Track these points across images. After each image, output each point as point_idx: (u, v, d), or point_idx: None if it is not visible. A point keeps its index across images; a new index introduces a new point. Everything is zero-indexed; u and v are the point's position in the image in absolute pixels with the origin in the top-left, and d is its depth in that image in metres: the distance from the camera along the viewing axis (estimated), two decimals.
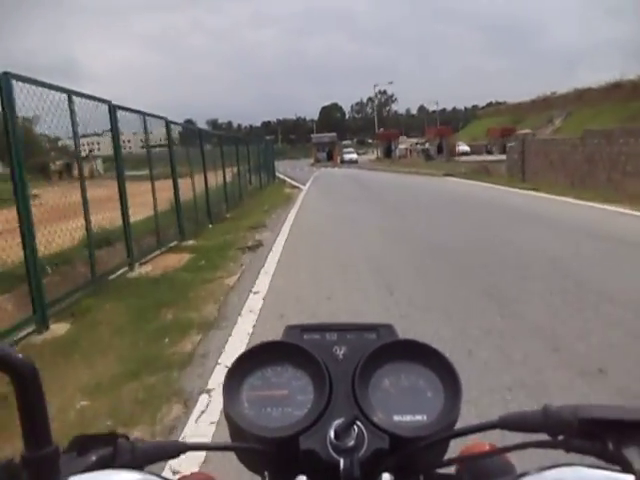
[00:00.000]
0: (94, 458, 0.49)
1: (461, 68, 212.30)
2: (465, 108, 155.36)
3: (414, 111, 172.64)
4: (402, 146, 54.11)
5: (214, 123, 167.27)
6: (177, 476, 0.64)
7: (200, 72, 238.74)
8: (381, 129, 66.19)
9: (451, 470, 0.62)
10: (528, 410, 0.52)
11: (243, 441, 0.57)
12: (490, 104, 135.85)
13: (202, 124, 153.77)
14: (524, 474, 0.49)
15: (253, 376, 0.62)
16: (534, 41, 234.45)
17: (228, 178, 15.01)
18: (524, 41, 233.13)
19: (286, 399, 0.60)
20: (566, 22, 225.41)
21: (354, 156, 55.49)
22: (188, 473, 0.65)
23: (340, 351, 0.64)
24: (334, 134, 58.38)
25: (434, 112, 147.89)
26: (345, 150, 58.53)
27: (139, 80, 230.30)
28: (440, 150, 49.42)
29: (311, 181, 27.16)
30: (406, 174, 30.07)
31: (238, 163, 18.10)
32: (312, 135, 63.53)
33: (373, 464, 0.53)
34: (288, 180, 29.16)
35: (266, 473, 0.59)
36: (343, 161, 53.64)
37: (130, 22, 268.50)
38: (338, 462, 0.51)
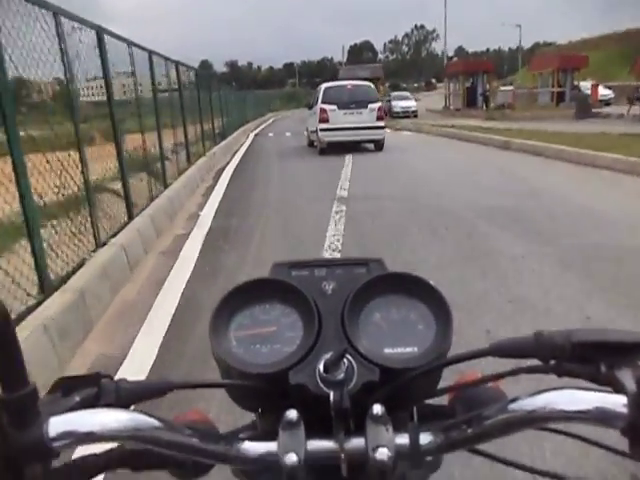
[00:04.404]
0: (77, 399, 0.45)
1: (490, 9, 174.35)
2: (509, 49, 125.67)
3: (451, 53, 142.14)
4: (505, 88, 28.13)
5: (233, 64, 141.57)
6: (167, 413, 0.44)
7: (222, 12, 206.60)
8: (454, 58, 39.33)
9: (444, 402, 0.59)
10: (520, 336, 0.48)
11: (234, 379, 0.53)
12: (538, 44, 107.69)
13: (220, 66, 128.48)
14: (515, 399, 0.46)
15: (241, 314, 0.57)
16: None
17: None
18: None
19: (275, 336, 0.56)
20: None
21: (411, 104, 30.03)
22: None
23: (329, 286, 0.59)
24: (379, 65, 32.44)
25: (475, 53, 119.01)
26: (396, 95, 32.78)
27: (159, 20, 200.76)
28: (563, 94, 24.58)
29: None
30: None
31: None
32: (341, 66, 37.17)
33: (363, 396, 0.49)
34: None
35: (259, 410, 0.57)
36: (394, 113, 28.36)
37: None
38: (328, 395, 0.48)
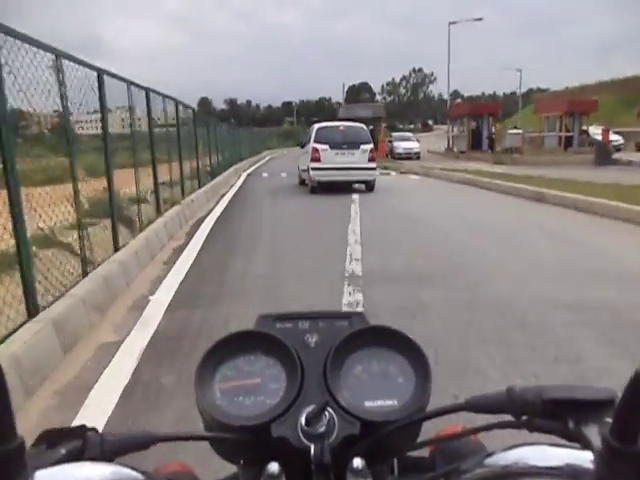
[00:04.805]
0: (63, 452, 0.45)
1: (484, 55, 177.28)
2: (504, 94, 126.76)
3: (445, 96, 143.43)
4: (513, 131, 26.63)
5: (232, 102, 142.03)
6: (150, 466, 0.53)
7: (223, 53, 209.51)
8: (457, 100, 38.43)
9: (425, 453, 0.60)
10: (493, 392, 0.49)
11: (216, 431, 0.54)
12: (532, 90, 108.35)
13: (220, 103, 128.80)
14: (491, 454, 0.47)
15: (225, 366, 0.57)
16: (563, 28, 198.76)
17: None
18: (553, 28, 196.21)
19: (258, 388, 0.56)
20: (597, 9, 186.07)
21: (414, 145, 28.62)
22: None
23: (312, 339, 0.59)
24: (380, 104, 31.20)
25: (471, 97, 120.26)
26: (397, 135, 31.39)
27: (160, 58, 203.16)
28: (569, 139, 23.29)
29: None
30: None
31: None
32: (340, 105, 36.05)
33: (344, 449, 0.50)
34: None
35: (242, 462, 0.56)
36: (396, 155, 26.99)
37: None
38: (309, 448, 0.49)
